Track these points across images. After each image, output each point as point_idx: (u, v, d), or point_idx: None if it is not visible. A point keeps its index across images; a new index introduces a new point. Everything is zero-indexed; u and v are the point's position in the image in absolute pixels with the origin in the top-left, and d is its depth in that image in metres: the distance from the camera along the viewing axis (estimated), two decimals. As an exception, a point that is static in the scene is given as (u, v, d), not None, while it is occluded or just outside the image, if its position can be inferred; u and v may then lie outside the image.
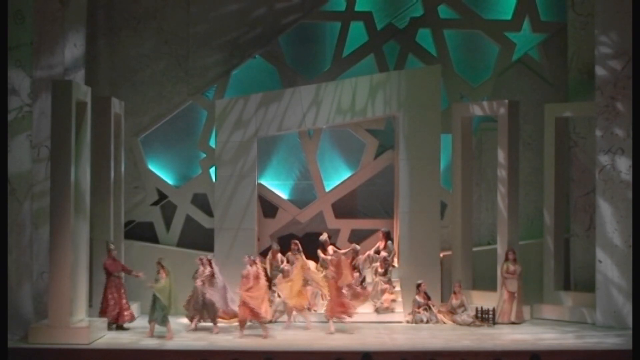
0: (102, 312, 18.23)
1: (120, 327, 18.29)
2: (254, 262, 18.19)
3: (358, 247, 19.88)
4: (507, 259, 19.15)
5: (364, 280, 19.65)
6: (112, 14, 21.16)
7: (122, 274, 18.56)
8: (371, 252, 20.04)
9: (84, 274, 17.71)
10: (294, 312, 18.81)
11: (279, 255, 19.78)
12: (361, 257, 19.82)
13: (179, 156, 21.49)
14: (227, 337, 17.56)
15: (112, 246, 18.72)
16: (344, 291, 18.21)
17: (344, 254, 20.19)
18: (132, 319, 18.59)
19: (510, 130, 19.68)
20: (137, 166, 21.15)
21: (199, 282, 18.49)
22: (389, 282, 19.55)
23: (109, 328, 17.99)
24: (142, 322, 18.62)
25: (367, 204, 21.58)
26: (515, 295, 19.05)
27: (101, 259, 18.91)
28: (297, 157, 21.50)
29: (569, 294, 19.83)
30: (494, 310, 18.93)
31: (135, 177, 21.13)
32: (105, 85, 20.91)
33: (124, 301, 18.37)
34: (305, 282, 19.31)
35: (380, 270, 19.59)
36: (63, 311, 16.72)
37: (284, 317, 19.12)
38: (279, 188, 21.42)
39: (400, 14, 21.75)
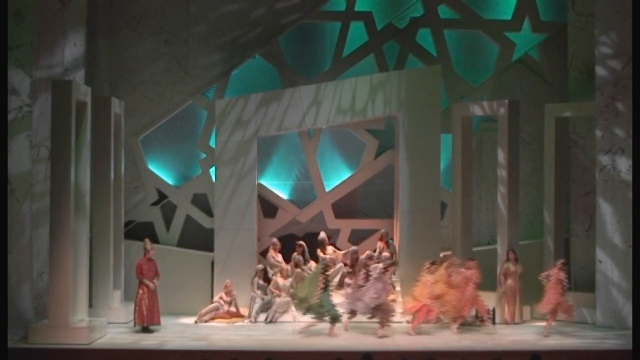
0: (139, 319, 18.03)
1: (146, 330, 18.07)
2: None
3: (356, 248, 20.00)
4: (507, 259, 19.13)
5: (364, 280, 19.68)
6: (112, 14, 21.15)
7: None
8: (374, 253, 20.05)
9: (84, 274, 17.69)
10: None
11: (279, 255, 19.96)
12: (362, 257, 19.82)
13: (179, 156, 21.49)
14: (227, 337, 17.55)
15: (148, 245, 18.46)
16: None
17: (344, 254, 20.27)
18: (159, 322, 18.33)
19: (510, 130, 19.68)
20: (137, 166, 21.15)
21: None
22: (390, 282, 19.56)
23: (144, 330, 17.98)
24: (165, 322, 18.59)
25: (367, 204, 21.59)
26: (517, 295, 19.04)
27: (101, 258, 18.96)
28: (297, 157, 21.51)
29: (569, 294, 19.75)
30: (494, 310, 18.92)
31: (135, 177, 21.13)
32: (105, 85, 20.90)
33: (156, 302, 18.12)
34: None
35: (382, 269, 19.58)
36: (63, 311, 16.71)
37: (285, 317, 19.14)
38: (279, 188, 21.42)
39: (400, 14, 21.75)
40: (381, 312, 17.70)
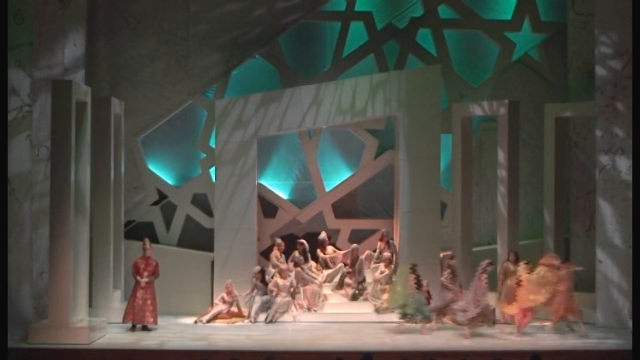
0: (127, 316, 18.20)
1: (139, 328, 18.19)
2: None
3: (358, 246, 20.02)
4: (508, 259, 19.10)
5: (364, 280, 19.68)
6: (112, 14, 21.15)
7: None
8: (374, 253, 20.07)
9: (84, 274, 17.69)
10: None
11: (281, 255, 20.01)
12: (362, 257, 19.83)
13: (179, 156, 21.48)
14: (227, 337, 17.55)
15: (147, 245, 18.56)
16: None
17: (344, 254, 20.28)
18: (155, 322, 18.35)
19: (510, 130, 19.68)
20: (137, 166, 21.14)
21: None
22: (390, 282, 19.57)
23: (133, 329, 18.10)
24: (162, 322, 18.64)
25: (367, 204, 21.58)
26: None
27: (101, 258, 18.98)
28: (297, 157, 21.51)
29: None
30: (493, 310, 18.88)
31: (135, 177, 21.13)
32: (105, 85, 20.90)
33: (148, 302, 18.20)
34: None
35: (383, 269, 19.58)
36: (63, 311, 16.71)
37: (285, 317, 19.16)
38: (279, 188, 21.42)
39: (400, 14, 21.75)
40: (483, 316, 17.73)
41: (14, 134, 17.58)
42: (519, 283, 17.97)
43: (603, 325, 18.49)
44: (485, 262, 18.06)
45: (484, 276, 17.89)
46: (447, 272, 18.26)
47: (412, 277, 18.18)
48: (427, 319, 17.99)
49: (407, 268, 18.36)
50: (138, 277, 18.23)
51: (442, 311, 18.20)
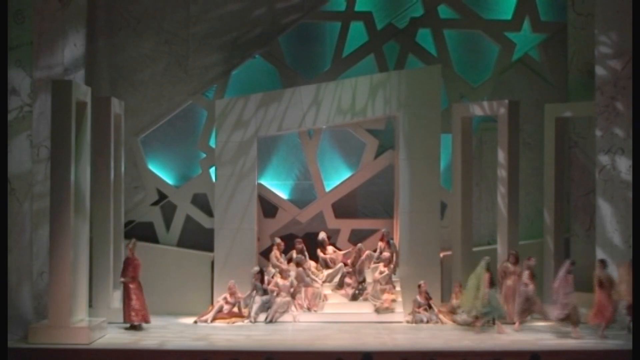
0: (128, 316, 18.33)
1: (136, 327, 18.25)
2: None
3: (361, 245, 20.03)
4: (507, 259, 19.10)
5: (364, 280, 19.68)
6: (112, 14, 21.15)
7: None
8: (374, 253, 20.07)
9: (84, 274, 17.70)
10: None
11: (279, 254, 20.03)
12: (362, 257, 19.83)
13: (179, 156, 21.49)
14: (227, 337, 17.56)
15: (130, 244, 18.68)
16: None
17: (345, 254, 20.29)
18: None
19: (510, 130, 19.68)
20: (137, 166, 21.14)
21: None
22: (390, 282, 19.57)
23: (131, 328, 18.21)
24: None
25: (367, 204, 21.59)
26: (516, 295, 19.02)
27: (101, 258, 19.00)
28: (297, 157, 21.51)
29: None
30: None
31: (135, 177, 21.13)
32: (105, 85, 20.91)
33: (145, 302, 18.35)
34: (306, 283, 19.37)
35: (382, 269, 19.59)
36: (63, 311, 16.72)
37: (285, 317, 19.16)
38: (279, 188, 21.42)
39: (400, 14, 21.75)
40: (572, 314, 17.73)
41: (14, 134, 17.59)
42: (601, 284, 17.91)
43: (603, 325, 18.49)
44: (568, 262, 18.05)
45: (570, 276, 17.81)
46: (526, 273, 18.31)
47: (486, 275, 18.16)
48: (503, 318, 18.09)
49: (482, 267, 18.30)
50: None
51: (523, 310, 18.31)
